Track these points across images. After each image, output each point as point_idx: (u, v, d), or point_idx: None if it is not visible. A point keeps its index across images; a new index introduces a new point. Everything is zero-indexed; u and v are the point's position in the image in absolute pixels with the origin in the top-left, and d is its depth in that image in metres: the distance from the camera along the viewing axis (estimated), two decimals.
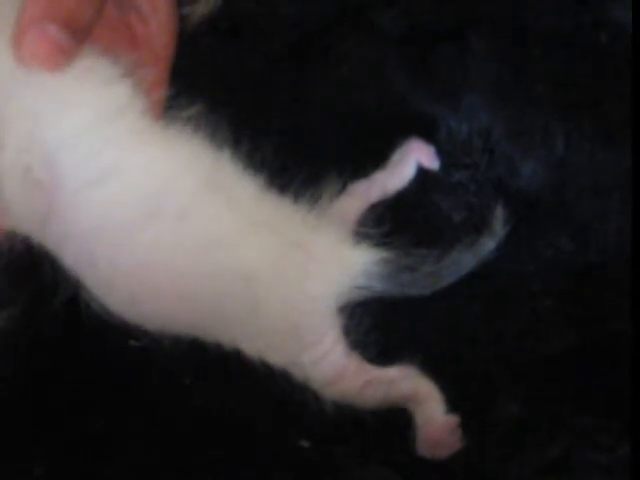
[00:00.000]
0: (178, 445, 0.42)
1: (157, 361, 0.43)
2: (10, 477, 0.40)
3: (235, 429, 0.42)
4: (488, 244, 0.42)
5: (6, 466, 0.40)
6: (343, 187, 0.44)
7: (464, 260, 0.41)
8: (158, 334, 0.41)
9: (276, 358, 0.41)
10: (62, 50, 0.37)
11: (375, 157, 0.46)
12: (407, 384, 0.41)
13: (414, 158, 0.45)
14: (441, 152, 0.47)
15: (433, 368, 0.41)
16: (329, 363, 0.40)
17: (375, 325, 0.41)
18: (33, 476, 0.40)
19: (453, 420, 0.41)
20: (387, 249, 0.41)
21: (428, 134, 0.47)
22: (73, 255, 0.39)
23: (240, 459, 0.41)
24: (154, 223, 0.38)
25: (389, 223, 0.43)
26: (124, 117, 0.38)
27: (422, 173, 0.46)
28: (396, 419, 0.41)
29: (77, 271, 0.39)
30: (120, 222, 0.38)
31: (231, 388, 0.43)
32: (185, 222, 0.39)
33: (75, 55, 0.38)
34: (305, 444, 0.41)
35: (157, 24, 0.46)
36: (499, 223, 0.43)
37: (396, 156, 0.45)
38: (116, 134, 0.38)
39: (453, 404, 0.41)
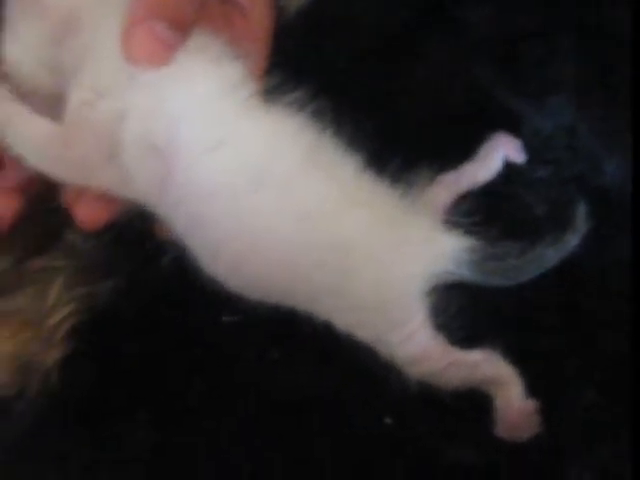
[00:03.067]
0: (263, 417, 0.44)
1: (249, 336, 0.45)
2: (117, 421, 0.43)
3: (318, 402, 0.44)
4: (571, 241, 0.43)
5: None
6: (432, 178, 0.46)
7: (548, 256, 0.43)
8: (250, 310, 0.43)
9: (364, 334, 0.42)
10: (169, 47, 0.40)
11: (461, 150, 0.47)
12: (489, 368, 0.42)
13: (501, 151, 0.47)
14: (525, 147, 0.48)
15: (514, 354, 0.43)
16: (415, 343, 0.42)
17: (460, 310, 0.42)
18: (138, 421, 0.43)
19: (531, 405, 0.42)
20: (475, 238, 0.42)
21: (513, 129, 0.49)
22: (184, 220, 0.41)
23: (323, 432, 0.43)
24: (259, 191, 0.41)
25: (476, 214, 0.44)
26: (236, 94, 0.41)
27: (506, 167, 0.48)
28: (477, 400, 0.43)
29: (186, 237, 0.42)
30: (228, 188, 0.40)
31: (317, 363, 0.45)
32: (287, 192, 0.41)
33: (178, 50, 0.40)
34: (389, 421, 0.43)
35: (255, 16, 0.48)
36: (581, 220, 0.44)
37: (484, 149, 0.47)
38: (229, 108, 0.41)
39: (532, 390, 0.42)
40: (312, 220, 0.41)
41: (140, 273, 0.46)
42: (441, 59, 0.52)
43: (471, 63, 0.51)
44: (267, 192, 0.41)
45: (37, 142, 0.41)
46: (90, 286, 0.46)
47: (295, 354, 0.45)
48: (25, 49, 0.42)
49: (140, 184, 0.41)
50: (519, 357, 0.43)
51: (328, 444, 0.43)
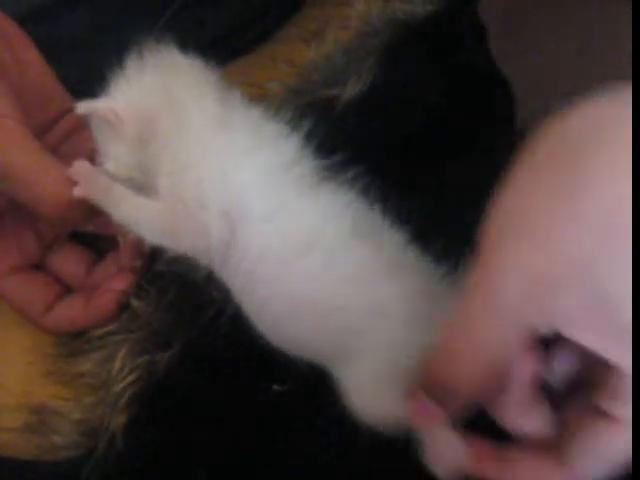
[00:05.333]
0: None
1: (294, 404, 0.48)
2: None
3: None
4: None
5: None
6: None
7: None
8: (300, 379, 0.46)
9: None
10: None
11: None
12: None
13: None
14: None
15: None
16: None
17: None
18: None
19: None
20: None
21: None
22: (241, 281, 0.46)
23: None
24: (307, 257, 0.45)
25: None
26: (292, 168, 0.47)
27: None
28: None
29: (240, 296, 0.46)
30: (279, 251, 0.45)
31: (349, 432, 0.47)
32: (333, 259, 0.45)
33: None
34: None
35: None
36: None
37: None
38: (285, 181, 0.46)
39: None
40: (351, 285, 0.45)
41: (196, 343, 0.49)
42: (485, 151, 0.55)
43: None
44: (313, 257, 0.45)
45: (148, 220, 0.47)
46: (151, 355, 0.49)
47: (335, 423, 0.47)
48: (118, 163, 0.48)
49: (212, 247, 0.46)
50: None
51: None
